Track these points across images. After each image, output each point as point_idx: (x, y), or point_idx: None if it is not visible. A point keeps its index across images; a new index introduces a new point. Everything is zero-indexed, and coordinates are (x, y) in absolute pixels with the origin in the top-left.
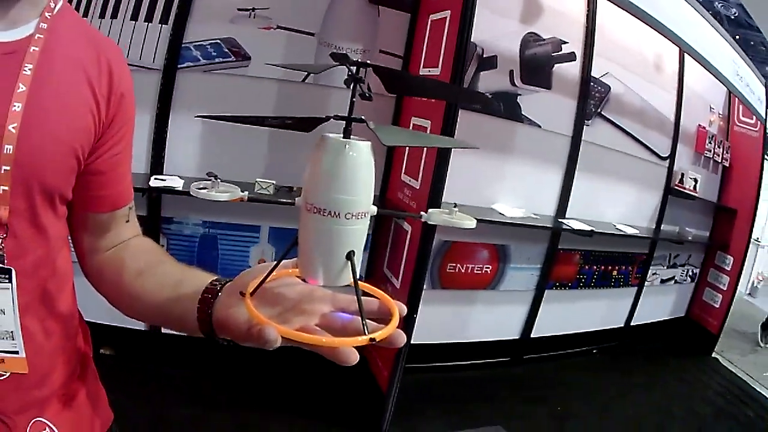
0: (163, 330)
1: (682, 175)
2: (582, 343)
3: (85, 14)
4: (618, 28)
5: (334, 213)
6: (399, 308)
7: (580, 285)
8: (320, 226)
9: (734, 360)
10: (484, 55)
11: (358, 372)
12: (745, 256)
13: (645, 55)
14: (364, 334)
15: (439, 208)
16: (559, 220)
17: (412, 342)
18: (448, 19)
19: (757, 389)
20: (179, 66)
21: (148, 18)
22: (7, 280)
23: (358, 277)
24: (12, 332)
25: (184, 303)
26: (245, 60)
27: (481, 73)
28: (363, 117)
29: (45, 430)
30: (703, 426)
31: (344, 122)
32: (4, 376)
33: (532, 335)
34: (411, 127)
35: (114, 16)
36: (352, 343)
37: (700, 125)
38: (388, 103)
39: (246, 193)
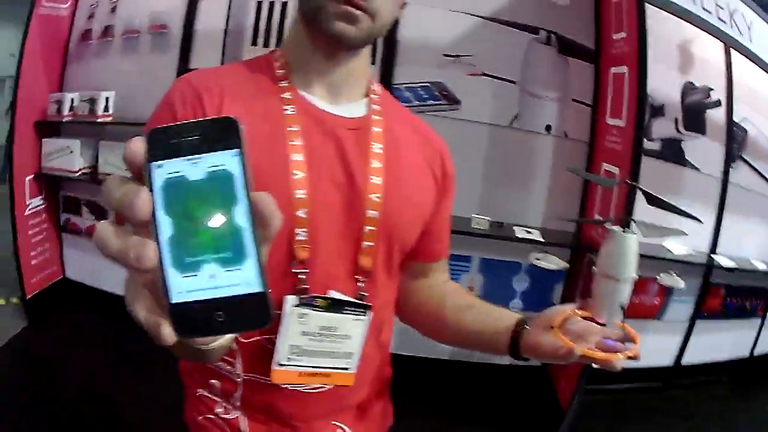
0: None
1: None
2: (719, 371)
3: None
4: (749, 73)
5: (617, 278)
6: (637, 337)
7: (723, 316)
8: (609, 287)
9: None
10: (655, 104)
11: (541, 389)
12: None
13: None
14: (624, 353)
15: None
16: (711, 255)
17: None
18: (626, 74)
19: None
20: None
21: None
22: (363, 314)
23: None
24: (351, 353)
25: (496, 333)
26: (455, 103)
27: (654, 120)
28: (634, 219)
29: (337, 430)
30: None
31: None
32: (324, 389)
33: (682, 363)
34: (601, 172)
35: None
36: (619, 358)
37: None
38: (581, 149)
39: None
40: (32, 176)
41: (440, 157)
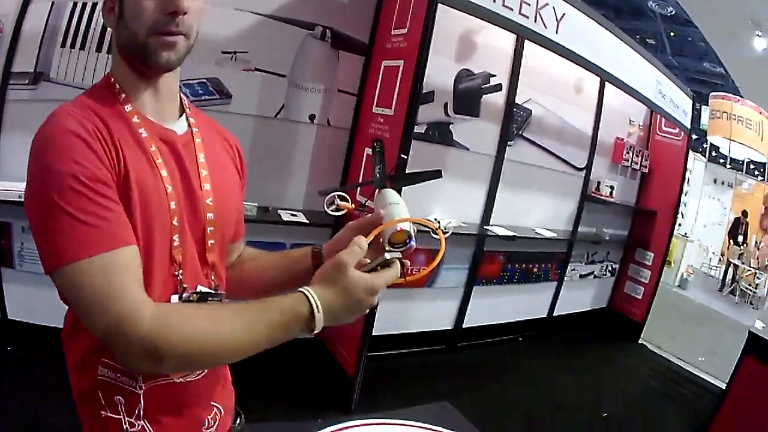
0: None
1: (599, 183)
2: (508, 331)
3: (72, 46)
4: (542, 58)
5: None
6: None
7: (504, 281)
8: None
9: (664, 346)
10: (423, 91)
11: (326, 363)
12: (667, 251)
13: (567, 80)
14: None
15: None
16: (484, 227)
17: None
18: (401, 67)
19: (692, 371)
20: None
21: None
22: (219, 300)
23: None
24: None
25: (293, 261)
26: (227, 98)
27: (420, 106)
28: (390, 175)
29: (214, 410)
30: (632, 402)
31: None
32: (204, 372)
33: (463, 326)
34: (364, 156)
35: (82, 47)
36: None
37: (617, 137)
38: (343, 135)
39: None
40: None
41: (237, 152)
